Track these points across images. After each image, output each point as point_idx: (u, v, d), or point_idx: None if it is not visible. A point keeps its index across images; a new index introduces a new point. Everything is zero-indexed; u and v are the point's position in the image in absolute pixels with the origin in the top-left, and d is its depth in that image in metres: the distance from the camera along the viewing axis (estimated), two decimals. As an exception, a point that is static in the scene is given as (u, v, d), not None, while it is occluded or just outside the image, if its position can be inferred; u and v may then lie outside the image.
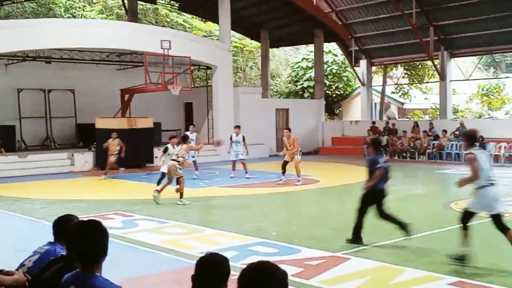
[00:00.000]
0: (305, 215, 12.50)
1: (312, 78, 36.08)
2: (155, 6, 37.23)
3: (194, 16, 38.63)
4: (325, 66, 36.28)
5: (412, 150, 25.96)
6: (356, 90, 39.54)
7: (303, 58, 40.46)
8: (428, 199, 14.28)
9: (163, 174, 14.41)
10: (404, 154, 26.22)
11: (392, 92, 39.94)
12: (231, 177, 18.42)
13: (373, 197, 8.89)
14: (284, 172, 16.86)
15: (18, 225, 11.36)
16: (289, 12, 30.71)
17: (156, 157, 23.64)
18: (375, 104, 38.26)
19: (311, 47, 37.41)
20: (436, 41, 29.35)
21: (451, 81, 31.19)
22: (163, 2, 35.95)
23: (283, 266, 2.71)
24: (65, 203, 14.02)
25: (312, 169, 21.73)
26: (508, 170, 20.32)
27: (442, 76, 30.42)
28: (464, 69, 34.35)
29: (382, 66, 36.31)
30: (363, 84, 34.67)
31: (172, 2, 35.36)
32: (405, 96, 39.78)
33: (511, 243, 7.34)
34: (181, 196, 13.46)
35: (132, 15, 30.93)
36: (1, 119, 24.50)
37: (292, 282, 6.76)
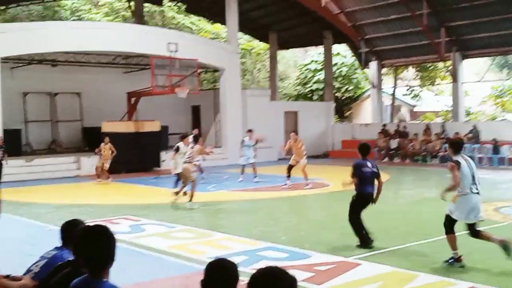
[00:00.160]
0: (315, 219, 12.47)
1: (321, 81, 36.05)
2: (162, 8, 37.34)
3: (201, 18, 38.70)
4: (335, 68, 36.26)
5: (423, 153, 25.85)
6: (366, 93, 39.44)
7: (312, 60, 40.44)
8: (441, 203, 14.14)
9: (179, 175, 14.50)
10: (416, 157, 26.12)
11: (403, 94, 39.82)
12: (239, 181, 18.43)
13: (361, 201, 9.06)
14: (289, 176, 16.90)
15: (25, 229, 11.41)
16: (297, 14, 30.73)
17: (163, 160, 23.77)
18: (386, 106, 38.15)
19: (320, 48, 37.40)
20: (447, 42, 29.23)
21: (463, 83, 31.05)
22: (169, 4, 36.07)
23: (292, 272, 2.69)
24: (71, 207, 14.06)
25: (322, 172, 21.67)
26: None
27: (454, 78, 30.29)
28: (476, 70, 34.21)
29: (393, 67, 36.20)
30: (373, 86, 34.56)
31: (179, 4, 35.47)
32: (416, 98, 39.65)
33: (488, 240, 7.60)
34: (190, 199, 13.49)
35: (139, 17, 31.04)
36: (7, 123, 24.60)
37: None
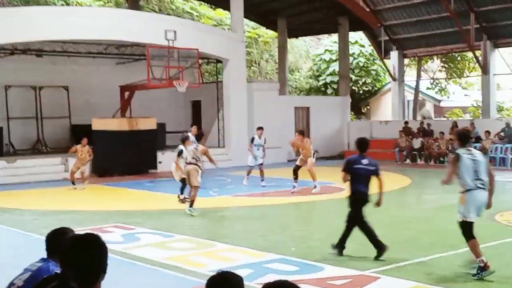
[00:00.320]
0: (329, 228, 12.46)
1: (336, 73, 36.01)
2: (159, -8, 37.43)
3: (202, 3, 38.74)
4: (351, 58, 36.18)
5: (450, 154, 25.79)
6: (386, 86, 39.37)
7: (326, 50, 40.39)
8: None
9: (184, 181, 14.68)
10: (441, 159, 26.04)
11: (428, 88, 39.70)
12: (244, 185, 18.43)
13: (356, 201, 9.30)
14: (296, 178, 16.95)
15: (7, 239, 11.48)
16: (309, -2, 30.69)
17: (160, 162, 23.82)
18: (408, 101, 38.06)
19: (334, 37, 37.35)
20: (477, 30, 29.13)
21: (495, 74, 30.94)
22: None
23: (303, 286, 2.72)
24: (59, 214, 14.12)
25: (336, 175, 21.60)
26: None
27: (485, 69, 30.18)
28: (510, 61, 34.05)
29: (416, 58, 36.13)
30: (394, 79, 34.50)
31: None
32: (442, 92, 39.53)
33: (472, 251, 7.81)
34: (191, 205, 13.54)
35: (133, 2, 31.11)
36: (-13, 120, 24.79)
37: (314, 304, 6.76)
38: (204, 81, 32.07)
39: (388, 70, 35.30)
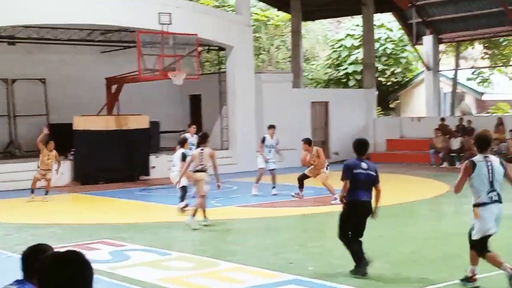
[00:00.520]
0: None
1: (360, 61, 35.95)
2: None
3: (202, -19, 38.83)
4: (377, 44, 36.13)
5: (495, 155, 25.68)
6: (419, 76, 39.27)
7: (348, 35, 40.35)
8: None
9: (184, 189, 15.07)
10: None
11: (468, 79, 39.61)
12: (254, 194, 18.34)
13: (352, 211, 9.39)
14: (301, 186, 17.24)
15: (-25, 257, 11.50)
16: (328, -26, 30.68)
17: (153, 167, 23.85)
18: (445, 94, 37.98)
19: (357, 19, 37.29)
20: (526, 10, 29.04)
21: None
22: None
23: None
24: (35, 228, 14.13)
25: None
26: None
27: (535, 56, 30.07)
28: None
29: (454, 43, 36.03)
30: (428, 68, 34.41)
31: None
32: (485, 83, 39.42)
33: (471, 261, 8.36)
34: (193, 214, 13.59)
35: (121, -20, 31.18)
36: (-49, 118, 24.89)
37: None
38: (205, 72, 32.08)
39: (421, 58, 35.20)
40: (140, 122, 23.83)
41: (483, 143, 8.52)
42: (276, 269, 9.74)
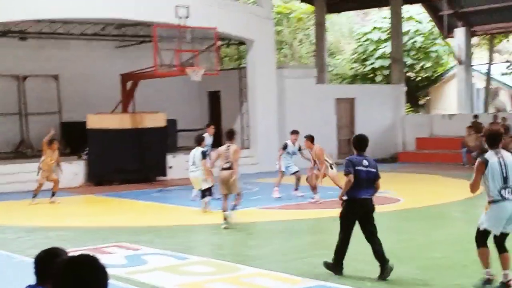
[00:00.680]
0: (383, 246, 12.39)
1: (387, 55, 35.82)
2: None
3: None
4: (406, 38, 35.99)
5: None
6: (450, 71, 39.07)
7: (375, 28, 40.24)
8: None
9: (210, 190, 15.68)
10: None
11: (502, 74, 39.32)
12: (277, 197, 18.31)
13: (352, 209, 9.57)
14: (314, 188, 17.40)
15: (-15, 261, 11.59)
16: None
17: (170, 167, 23.90)
18: (478, 90, 37.75)
19: (385, 11, 37.14)
20: None
21: None
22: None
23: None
24: (47, 231, 14.22)
25: (389, 183, 21.39)
26: None
27: None
28: None
29: (487, 36, 35.78)
30: (460, 63, 34.23)
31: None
32: (521, 78, 39.15)
33: (502, 265, 8.43)
34: (226, 218, 13.91)
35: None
36: (-40, 117, 25.10)
37: None
38: (224, 67, 32.09)
39: (452, 52, 35.02)
40: (156, 120, 23.88)
41: (494, 138, 8.65)
42: (300, 274, 9.73)
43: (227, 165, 13.96)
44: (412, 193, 19.39)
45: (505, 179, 8.31)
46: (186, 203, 17.59)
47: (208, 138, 18.57)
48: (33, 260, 4.30)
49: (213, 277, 9.94)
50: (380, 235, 14.04)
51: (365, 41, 40.54)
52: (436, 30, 37.52)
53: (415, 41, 39.01)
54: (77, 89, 27.10)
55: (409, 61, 38.19)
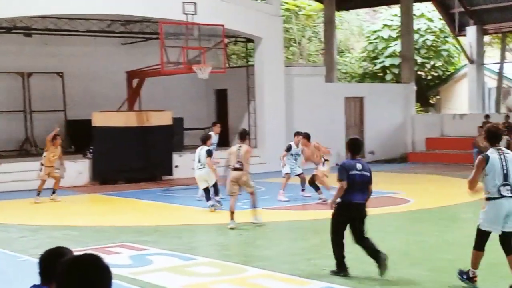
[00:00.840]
0: (391, 249, 12.33)
1: (397, 54, 35.75)
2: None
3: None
4: (416, 36, 35.92)
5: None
6: (461, 70, 38.97)
7: (384, 25, 40.17)
8: None
9: (216, 186, 16.16)
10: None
11: (514, 73, 39.28)
12: (285, 200, 18.24)
13: (345, 212, 9.69)
14: (317, 189, 17.44)
15: (-11, 261, 11.61)
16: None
17: (177, 166, 23.90)
18: (489, 89, 37.64)
19: (395, 9, 37.08)
20: None
21: None
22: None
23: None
24: (52, 230, 14.26)
25: (399, 184, 21.49)
26: None
27: None
28: None
29: (499, 34, 35.68)
30: (471, 62, 34.14)
31: None
32: (534, 78, 39.05)
33: (511, 267, 8.51)
34: (255, 214, 14.26)
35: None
36: (-36, 114, 25.14)
37: None
38: (231, 65, 32.09)
39: (464, 50, 34.93)
40: (162, 119, 23.89)
41: (494, 136, 8.81)
42: (307, 276, 9.74)
43: (238, 165, 14.03)
44: (422, 194, 19.37)
45: (505, 176, 8.42)
46: (192, 203, 17.61)
47: (214, 137, 18.59)
48: (37, 260, 4.30)
49: (218, 278, 9.94)
50: (390, 236, 14.07)
51: (375, 39, 40.49)
52: (447, 28, 37.45)
53: (426, 40, 38.93)
54: (83, 87, 27.13)
55: (419, 59, 38.13)
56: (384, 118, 30.11)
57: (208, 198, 16.12)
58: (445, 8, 34.78)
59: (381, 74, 39.42)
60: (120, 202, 19.23)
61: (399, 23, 33.37)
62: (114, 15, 24.08)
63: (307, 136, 17.88)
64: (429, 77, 40.09)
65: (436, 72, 40.07)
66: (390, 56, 38.73)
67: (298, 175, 18.55)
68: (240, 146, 14.27)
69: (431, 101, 41.74)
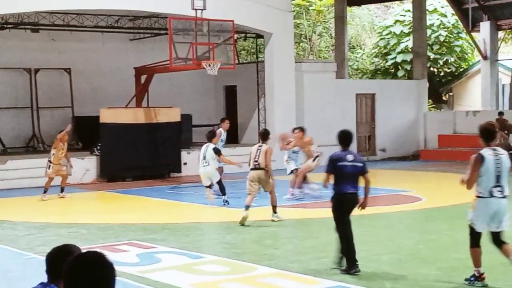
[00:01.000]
0: (402, 248, 12.36)
1: (410, 50, 35.67)
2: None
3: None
4: (429, 31, 35.82)
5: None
6: (475, 66, 38.85)
7: (397, 21, 40.08)
8: None
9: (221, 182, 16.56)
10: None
11: (529, 69, 39.13)
12: (290, 198, 18.23)
13: (339, 204, 9.97)
14: (304, 180, 17.85)
15: (-5, 258, 11.65)
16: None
17: (185, 163, 23.91)
18: (503, 86, 37.52)
19: (407, 4, 36.99)
20: None
21: None
22: None
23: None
24: (59, 228, 14.30)
25: (411, 181, 21.44)
26: None
27: None
28: None
29: (514, 30, 35.54)
30: (484, 58, 34.02)
31: None
32: (549, 74, 38.88)
33: (506, 257, 8.68)
34: (275, 210, 14.36)
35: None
36: (-29, 110, 25.23)
37: None
38: (241, 61, 32.09)
39: (477, 46, 34.80)
40: (171, 115, 23.91)
41: (488, 135, 8.89)
42: (318, 275, 9.73)
43: (255, 165, 14.20)
44: (434, 192, 19.35)
45: (497, 178, 8.52)
46: (201, 201, 17.62)
47: (223, 133, 18.61)
48: (43, 257, 4.31)
49: (228, 276, 9.95)
50: (402, 234, 14.06)
51: (386, 34, 40.38)
52: (460, 24, 37.32)
53: (438, 35, 38.82)
54: (90, 83, 27.19)
55: (432, 55, 38.03)
56: (396, 115, 30.06)
57: (223, 193, 16.54)
58: (458, 3, 34.66)
59: (393, 70, 39.34)
60: (127, 200, 19.27)
61: (412, 19, 33.29)
62: (122, 10, 24.11)
63: (303, 130, 18.47)
64: (442, 74, 39.98)
65: (449, 68, 39.97)
66: (402, 52, 38.65)
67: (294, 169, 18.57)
68: (260, 146, 14.54)
69: (443, 98, 41.64)
